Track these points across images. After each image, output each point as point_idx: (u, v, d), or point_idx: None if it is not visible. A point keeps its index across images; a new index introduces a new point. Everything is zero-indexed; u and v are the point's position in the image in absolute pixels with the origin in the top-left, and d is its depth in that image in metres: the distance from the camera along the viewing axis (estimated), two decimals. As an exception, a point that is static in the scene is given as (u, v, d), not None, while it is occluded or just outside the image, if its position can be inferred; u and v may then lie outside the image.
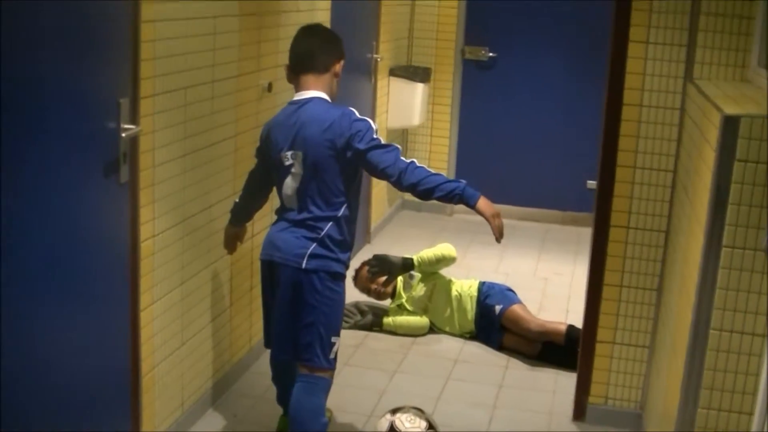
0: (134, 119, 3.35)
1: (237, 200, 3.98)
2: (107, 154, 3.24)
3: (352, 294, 5.63)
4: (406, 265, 5.40)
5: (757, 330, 2.98)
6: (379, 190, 7.20)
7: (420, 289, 5.52)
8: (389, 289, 5.54)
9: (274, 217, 3.80)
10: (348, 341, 5.27)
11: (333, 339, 3.59)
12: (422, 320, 5.49)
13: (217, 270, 4.32)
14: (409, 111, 7.42)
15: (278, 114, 3.72)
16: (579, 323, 5.08)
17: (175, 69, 3.66)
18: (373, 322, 5.52)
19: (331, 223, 3.55)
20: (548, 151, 7.96)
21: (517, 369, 5.10)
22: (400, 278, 5.56)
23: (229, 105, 4.26)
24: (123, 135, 3.26)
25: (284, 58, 3.87)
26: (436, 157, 8.12)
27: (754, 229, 2.95)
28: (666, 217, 4.20)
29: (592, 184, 7.93)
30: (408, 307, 5.52)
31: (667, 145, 4.14)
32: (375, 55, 6.84)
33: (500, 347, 5.32)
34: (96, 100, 3.16)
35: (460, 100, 8.05)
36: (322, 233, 3.53)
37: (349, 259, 3.65)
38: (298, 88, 3.68)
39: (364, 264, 5.52)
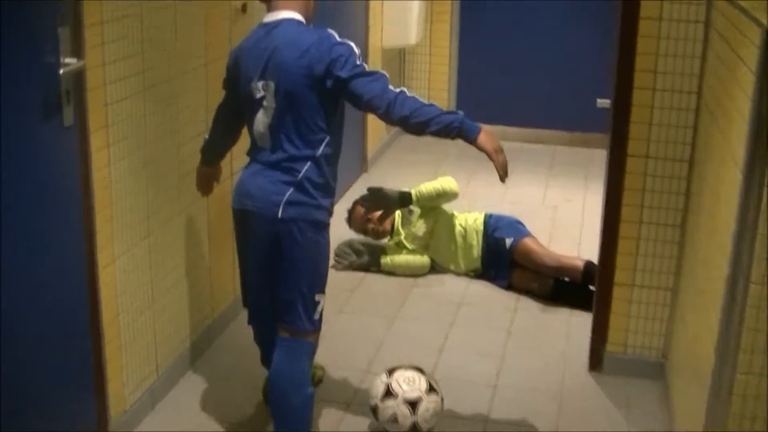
0: (78, 52, 2.89)
1: (206, 138, 3.54)
2: (46, 94, 2.79)
3: (347, 233, 5.23)
4: (404, 199, 4.96)
5: (806, 282, 2.55)
6: (376, 114, 6.74)
7: (420, 226, 5.10)
8: (387, 225, 5.12)
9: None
10: (343, 285, 4.87)
11: (317, 297, 3.16)
12: (423, 259, 5.07)
13: (192, 215, 3.90)
14: (405, 29, 6.92)
15: (246, 39, 3.25)
16: (593, 255, 4.71)
17: (127, -10, 3.20)
18: (370, 262, 5.11)
19: (309, 164, 3.10)
20: (555, 68, 7.50)
21: (527, 311, 4.70)
22: (398, 213, 5.14)
23: (197, 29, 3.79)
24: (62, 71, 2.79)
25: (260, -24, 3.41)
26: (435, 77, 7.69)
27: (802, 165, 2.50)
28: (689, 145, 3.76)
29: (602, 102, 7.46)
30: (407, 244, 5.10)
31: (690, 64, 3.68)
32: (366, -30, 6.34)
33: (509, 286, 4.92)
34: (28, 31, 2.69)
35: (460, 15, 7.57)
36: (300, 176, 3.09)
37: (332, 204, 3.21)
38: (269, 8, 3.20)
39: (356, 203, 5.08)
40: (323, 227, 3.16)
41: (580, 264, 4.74)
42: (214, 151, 3.54)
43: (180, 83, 3.67)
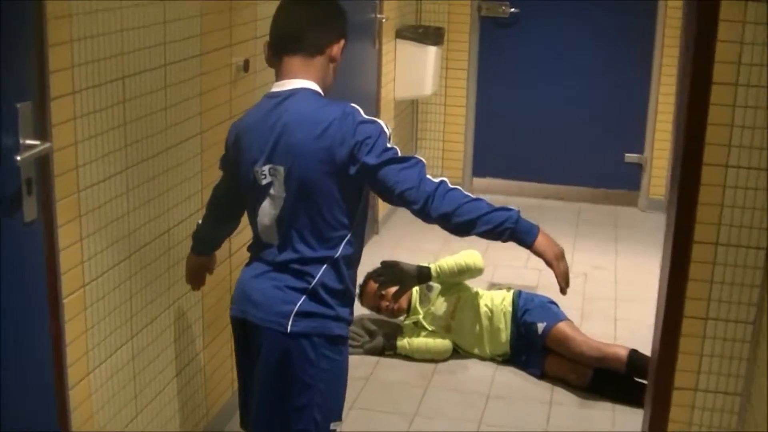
0: (42, 131, 2.34)
1: (199, 223, 3.01)
2: (0, 186, 2.24)
3: (357, 309, 4.67)
4: (422, 275, 4.41)
5: None
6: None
7: (440, 304, 4.54)
8: (403, 303, 4.57)
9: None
10: (354, 372, 4.23)
11: (332, 425, 2.61)
12: (444, 342, 4.51)
13: (183, 308, 3.34)
14: (419, 79, 6.39)
15: (250, 111, 2.71)
16: (631, 335, 4.48)
17: (106, 53, 2.64)
18: (385, 344, 4.55)
19: (325, 267, 2.55)
20: (579, 121, 6.96)
21: (564, 405, 4.15)
22: (415, 290, 4.58)
23: (191, 94, 3.25)
24: (20, 157, 2.24)
25: (264, 28, 2.88)
26: (451, 129, 7.15)
27: None
28: (766, 230, 3.21)
29: (631, 157, 7.01)
30: (426, 325, 4.54)
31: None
32: (379, 15, 5.84)
33: (541, 374, 4.36)
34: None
35: (478, 64, 7.02)
36: (314, 281, 2.54)
37: (351, 314, 2.66)
38: (279, 76, 2.66)
39: (369, 277, 4.52)
40: (342, 342, 2.61)
41: (624, 353, 4.18)
42: (207, 240, 3.00)
43: (169, 156, 3.12)
